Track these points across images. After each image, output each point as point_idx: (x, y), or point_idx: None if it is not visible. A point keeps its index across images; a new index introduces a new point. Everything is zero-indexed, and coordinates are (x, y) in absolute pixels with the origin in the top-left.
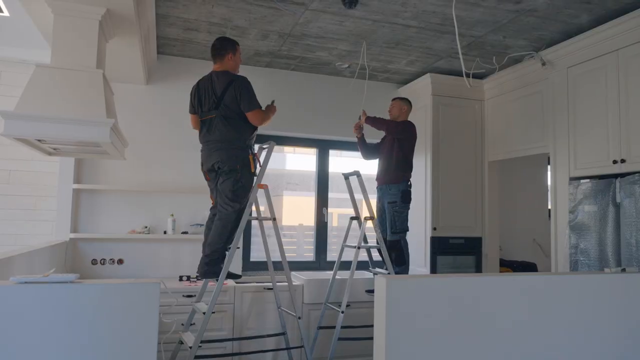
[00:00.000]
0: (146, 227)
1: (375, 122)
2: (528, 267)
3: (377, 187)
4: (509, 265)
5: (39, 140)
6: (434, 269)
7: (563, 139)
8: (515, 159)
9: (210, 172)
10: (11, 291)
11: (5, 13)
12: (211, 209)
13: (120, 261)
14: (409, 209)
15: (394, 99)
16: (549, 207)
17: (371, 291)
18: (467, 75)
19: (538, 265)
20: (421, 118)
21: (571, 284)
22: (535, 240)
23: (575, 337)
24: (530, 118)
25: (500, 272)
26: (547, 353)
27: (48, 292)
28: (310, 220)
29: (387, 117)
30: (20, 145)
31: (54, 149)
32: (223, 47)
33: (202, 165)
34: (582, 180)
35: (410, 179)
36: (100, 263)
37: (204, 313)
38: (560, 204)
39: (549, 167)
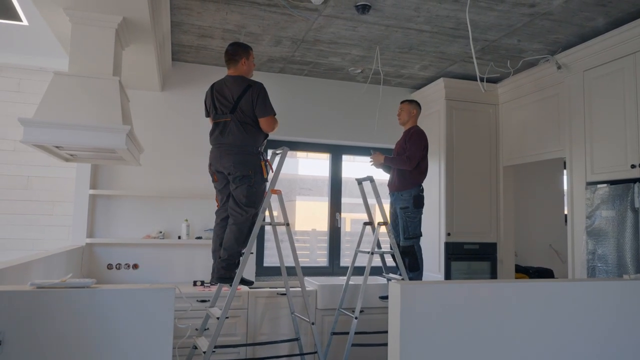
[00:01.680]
0: (161, 232)
1: (392, 162)
2: (544, 273)
3: (389, 193)
4: (525, 271)
5: (57, 147)
6: (448, 275)
7: (579, 143)
8: (531, 163)
9: (219, 173)
10: (30, 296)
11: (25, 22)
12: (216, 212)
13: (135, 266)
14: (421, 214)
15: (402, 102)
16: (566, 212)
17: (384, 297)
18: (481, 80)
19: (554, 271)
20: (435, 123)
21: (589, 291)
22: (552, 246)
23: (593, 344)
24: (546, 122)
25: (516, 278)
26: (568, 357)
27: (66, 296)
28: (323, 225)
29: (396, 121)
30: (38, 151)
31: (71, 155)
32: (236, 52)
33: (210, 165)
34: (599, 185)
35: (422, 184)
36: (116, 268)
37: (217, 318)
38: (577, 209)
39: (565, 171)
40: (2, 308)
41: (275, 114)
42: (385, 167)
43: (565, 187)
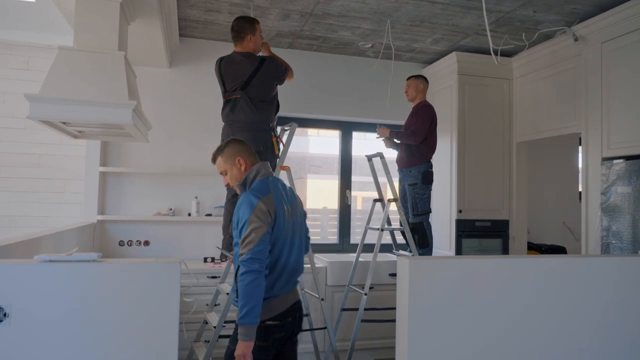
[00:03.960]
0: (171, 210)
1: (398, 136)
2: (557, 250)
3: (398, 170)
4: (537, 249)
5: (64, 123)
6: (459, 252)
7: (596, 118)
8: (545, 139)
9: None
10: (35, 269)
11: None
12: (227, 188)
13: (146, 243)
14: (430, 190)
15: (408, 78)
16: (580, 189)
17: (394, 274)
18: (495, 53)
19: (568, 249)
20: (446, 98)
21: (602, 267)
22: (565, 224)
23: (606, 320)
24: (561, 96)
25: None
26: (576, 337)
27: (71, 270)
28: (334, 203)
29: (404, 97)
30: (46, 128)
31: (79, 131)
32: (241, 29)
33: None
34: (615, 161)
35: (431, 160)
36: (127, 244)
37: (227, 294)
38: (591, 185)
39: (580, 147)
40: (9, 281)
41: (287, 68)
42: (395, 144)
43: (580, 164)
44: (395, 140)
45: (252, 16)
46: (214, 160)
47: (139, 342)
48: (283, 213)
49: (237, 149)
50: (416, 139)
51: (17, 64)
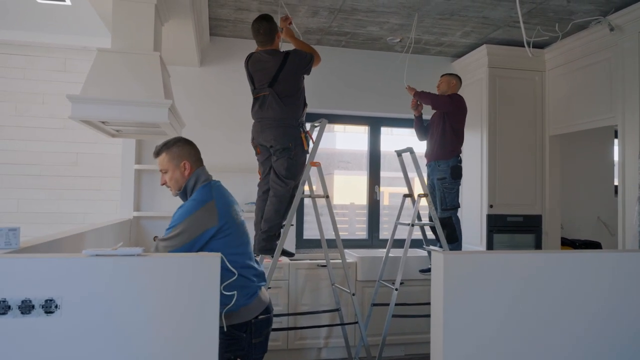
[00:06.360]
0: None
1: (422, 96)
2: (592, 246)
3: (426, 165)
4: (571, 244)
5: (103, 122)
6: (490, 248)
7: (633, 109)
8: (579, 132)
9: (262, 146)
10: (84, 263)
11: (67, 2)
12: (259, 184)
13: None
14: (459, 184)
15: (442, 75)
16: (616, 183)
17: (424, 270)
18: (528, 45)
19: (603, 244)
20: (477, 92)
21: (638, 262)
22: (600, 218)
23: None
24: (597, 88)
25: None
26: (611, 331)
27: (116, 264)
28: (362, 199)
29: (432, 91)
30: (86, 127)
31: (117, 130)
32: (270, 30)
33: (252, 139)
34: None
35: (461, 154)
36: None
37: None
38: (628, 178)
39: (615, 140)
40: (60, 274)
41: (310, 56)
42: (423, 129)
43: (615, 157)
44: (418, 99)
45: (279, 14)
46: (157, 154)
47: (180, 333)
48: (232, 213)
49: (186, 152)
50: (438, 101)
51: (55, 66)
